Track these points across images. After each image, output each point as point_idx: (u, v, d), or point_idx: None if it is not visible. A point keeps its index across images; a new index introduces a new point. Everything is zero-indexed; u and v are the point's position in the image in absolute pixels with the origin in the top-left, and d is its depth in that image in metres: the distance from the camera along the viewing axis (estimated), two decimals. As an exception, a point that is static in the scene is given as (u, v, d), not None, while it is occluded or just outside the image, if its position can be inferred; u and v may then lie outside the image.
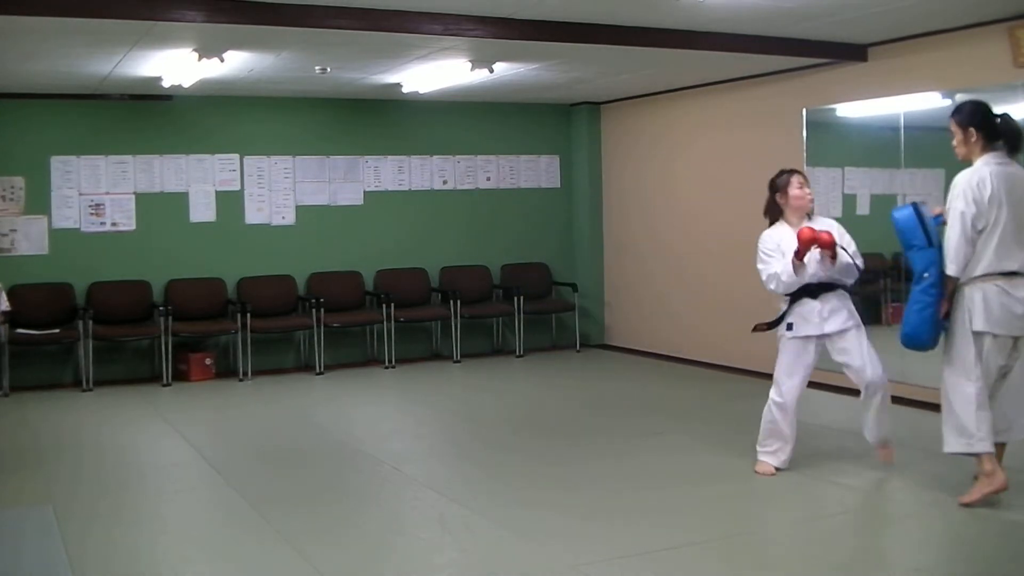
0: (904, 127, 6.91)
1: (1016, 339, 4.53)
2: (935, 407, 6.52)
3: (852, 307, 5.17)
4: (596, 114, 10.10)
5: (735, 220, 8.43)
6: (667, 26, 6.26)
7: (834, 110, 7.52)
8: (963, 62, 6.40)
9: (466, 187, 9.80)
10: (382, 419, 7.37)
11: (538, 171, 10.12)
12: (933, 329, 4.53)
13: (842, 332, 5.08)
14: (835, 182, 7.64)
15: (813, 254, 4.93)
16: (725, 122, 8.57)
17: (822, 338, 5.10)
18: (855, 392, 5.49)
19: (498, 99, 9.43)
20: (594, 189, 10.10)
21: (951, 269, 4.46)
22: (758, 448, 5.27)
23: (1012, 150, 4.55)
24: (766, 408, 5.20)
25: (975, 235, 4.43)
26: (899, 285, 7.33)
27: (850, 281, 5.14)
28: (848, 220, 7.43)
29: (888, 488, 5.07)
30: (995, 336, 4.47)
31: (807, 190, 5.17)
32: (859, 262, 5.08)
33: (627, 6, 5.72)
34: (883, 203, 7.39)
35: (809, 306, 5.07)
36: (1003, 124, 4.55)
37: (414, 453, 6.03)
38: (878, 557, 4.02)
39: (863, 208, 7.60)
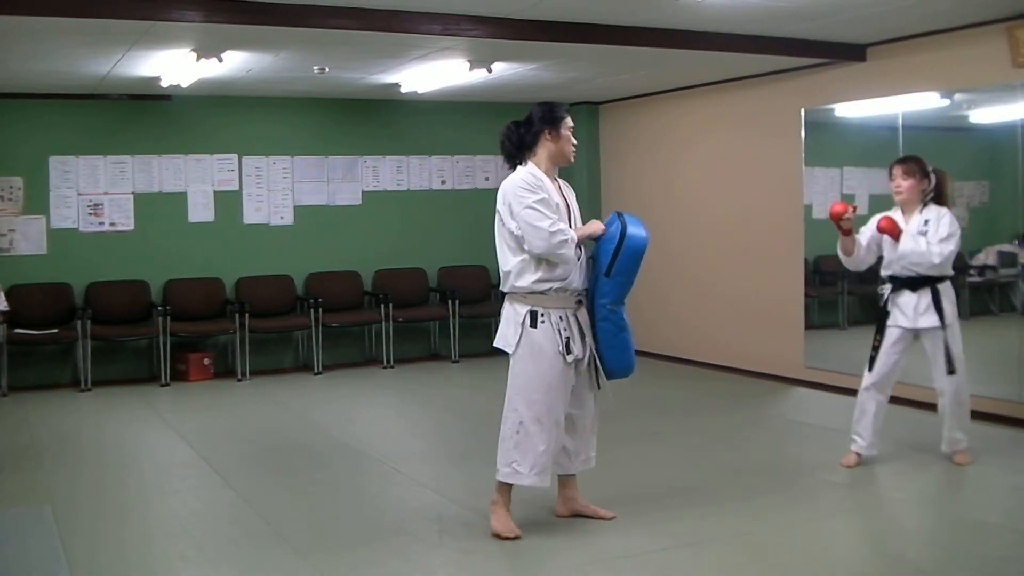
0: (903, 127, 6.90)
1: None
2: (934, 407, 6.56)
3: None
4: (595, 114, 10.10)
5: (735, 219, 8.44)
6: (666, 26, 6.26)
7: (833, 110, 7.52)
8: (962, 62, 6.40)
9: (464, 187, 9.79)
10: (381, 419, 7.37)
11: (537, 171, 10.10)
12: None
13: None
14: (833, 182, 7.64)
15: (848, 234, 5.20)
16: (724, 122, 8.57)
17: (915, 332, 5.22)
18: (854, 393, 5.53)
19: (497, 99, 9.42)
20: (593, 189, 10.09)
21: None
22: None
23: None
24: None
25: None
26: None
27: (921, 269, 5.14)
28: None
29: (887, 488, 5.06)
30: None
31: (896, 182, 5.32)
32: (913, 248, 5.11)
33: (626, 6, 5.72)
34: (882, 203, 7.39)
35: (905, 298, 5.21)
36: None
37: (413, 453, 6.02)
38: (877, 557, 4.02)
39: (862, 208, 7.59)
